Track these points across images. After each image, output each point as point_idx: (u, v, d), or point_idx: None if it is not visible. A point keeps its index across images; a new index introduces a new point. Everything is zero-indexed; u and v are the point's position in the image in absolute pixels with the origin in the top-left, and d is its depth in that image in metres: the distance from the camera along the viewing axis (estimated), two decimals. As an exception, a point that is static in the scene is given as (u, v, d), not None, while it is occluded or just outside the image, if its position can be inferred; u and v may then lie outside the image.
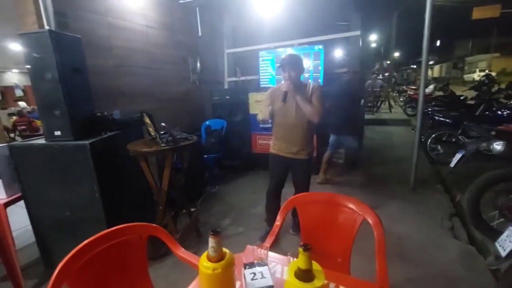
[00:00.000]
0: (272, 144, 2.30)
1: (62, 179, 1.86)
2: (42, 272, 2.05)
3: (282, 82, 2.09)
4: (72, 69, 1.83)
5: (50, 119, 1.82)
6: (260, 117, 2.17)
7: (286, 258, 1.04)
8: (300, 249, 0.65)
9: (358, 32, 3.79)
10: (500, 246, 1.49)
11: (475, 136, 2.54)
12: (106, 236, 1.12)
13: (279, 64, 2.06)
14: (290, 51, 3.82)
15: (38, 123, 6.79)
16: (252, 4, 4.04)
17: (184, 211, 2.53)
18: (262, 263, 0.89)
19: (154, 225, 1.28)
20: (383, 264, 1.13)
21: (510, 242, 1.44)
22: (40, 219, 1.97)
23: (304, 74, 2.18)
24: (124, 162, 2.12)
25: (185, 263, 1.23)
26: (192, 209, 2.64)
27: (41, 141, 1.89)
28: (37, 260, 2.13)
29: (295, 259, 0.90)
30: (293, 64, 2.00)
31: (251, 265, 0.87)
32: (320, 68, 3.69)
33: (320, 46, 3.67)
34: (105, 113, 2.07)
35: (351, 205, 1.33)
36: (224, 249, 0.75)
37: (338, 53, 5.07)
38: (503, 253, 1.44)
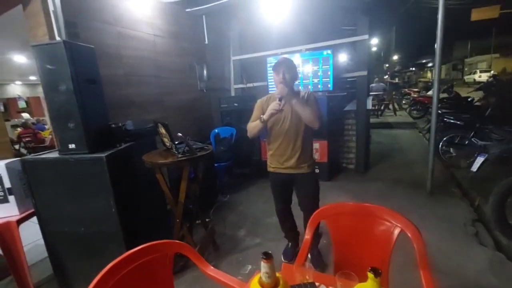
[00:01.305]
0: (268, 162, 2.06)
1: (77, 194, 1.80)
2: (56, 289, 1.98)
3: (273, 91, 1.88)
4: (86, 80, 1.78)
5: (64, 131, 1.76)
6: (249, 133, 1.93)
7: (329, 277, 0.97)
8: (370, 275, 0.58)
9: (366, 36, 3.75)
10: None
11: (496, 139, 2.47)
12: (132, 256, 1.06)
13: (272, 67, 1.85)
14: (297, 57, 3.80)
15: (43, 134, 6.76)
16: (259, 11, 4.02)
17: (198, 221, 2.46)
18: (310, 285, 0.82)
19: (180, 242, 1.22)
20: (430, 278, 1.06)
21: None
22: (53, 235, 1.89)
23: (297, 82, 1.98)
24: (138, 174, 2.07)
25: (207, 278, 1.16)
26: (206, 220, 2.56)
27: (55, 154, 1.83)
28: (51, 276, 2.05)
29: (343, 278, 0.84)
30: (288, 67, 1.80)
31: (299, 287, 0.81)
32: (329, 73, 3.66)
33: (329, 51, 3.65)
34: (119, 124, 2.02)
35: (386, 216, 1.27)
36: (277, 274, 0.68)
37: (345, 57, 5.04)
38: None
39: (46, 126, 7.41)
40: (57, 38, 2.22)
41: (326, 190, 3.53)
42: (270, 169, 2.06)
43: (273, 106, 1.73)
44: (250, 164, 4.08)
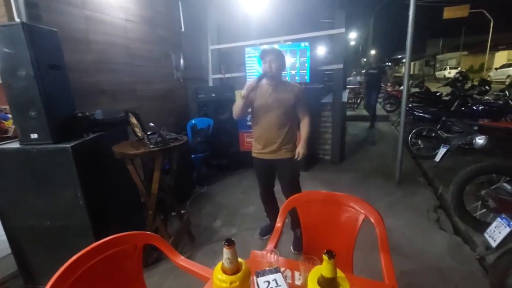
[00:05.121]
0: (253, 147, 2.15)
1: (41, 186, 1.71)
2: (21, 286, 1.89)
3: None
4: (48, 65, 1.68)
5: (25, 120, 1.66)
6: (234, 113, 2.00)
7: (294, 262, 1.00)
8: (325, 257, 0.61)
9: (343, 30, 3.82)
10: (489, 237, 1.55)
11: (457, 131, 2.63)
12: (98, 247, 1.03)
13: (259, 55, 1.93)
14: (276, 47, 3.79)
15: (6, 124, 6.30)
16: (237, -1, 3.95)
17: (173, 213, 2.43)
18: (274, 269, 0.85)
19: (150, 233, 1.20)
20: (389, 262, 1.13)
21: (499, 233, 1.50)
22: (16, 230, 1.80)
23: (284, 72, 2.07)
24: (108, 165, 2.00)
25: (180, 269, 1.16)
26: (182, 211, 2.54)
27: (15, 145, 1.72)
28: (15, 273, 1.96)
29: (306, 262, 0.87)
30: (276, 56, 1.86)
31: (263, 272, 0.83)
32: (306, 65, 3.69)
33: (307, 43, 3.67)
34: (87, 113, 1.93)
35: (352, 204, 1.33)
36: (240, 260, 0.70)
37: (323, 50, 5.10)
38: (494, 244, 1.49)
39: (9, 116, 6.92)
40: (16, 20, 2.05)
41: (302, 180, 3.54)
42: (253, 154, 2.15)
43: (249, 81, 1.83)
44: (228, 155, 4.06)
